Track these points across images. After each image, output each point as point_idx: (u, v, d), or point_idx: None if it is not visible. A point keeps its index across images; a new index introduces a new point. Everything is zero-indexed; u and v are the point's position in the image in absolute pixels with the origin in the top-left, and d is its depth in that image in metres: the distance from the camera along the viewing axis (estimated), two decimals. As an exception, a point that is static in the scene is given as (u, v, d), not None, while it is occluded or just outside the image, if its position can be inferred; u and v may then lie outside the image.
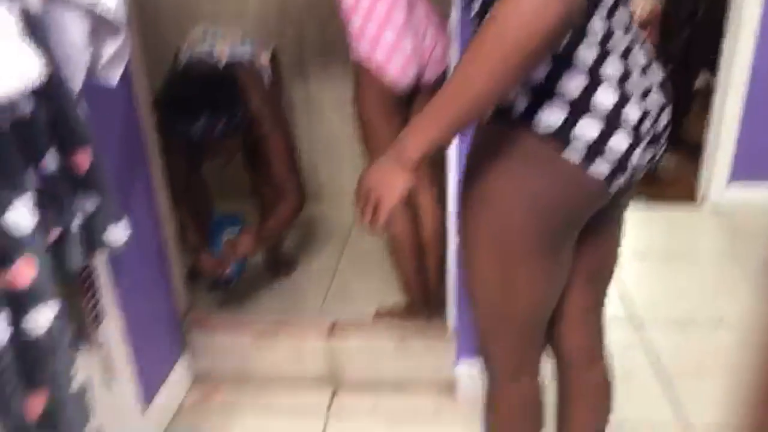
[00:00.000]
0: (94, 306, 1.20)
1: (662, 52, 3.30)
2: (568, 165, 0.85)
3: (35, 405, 0.87)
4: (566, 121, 0.83)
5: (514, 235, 0.91)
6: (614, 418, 1.19)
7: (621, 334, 2.01)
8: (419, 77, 1.68)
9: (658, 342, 1.95)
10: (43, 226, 0.85)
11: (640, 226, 2.70)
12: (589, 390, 1.16)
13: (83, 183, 0.95)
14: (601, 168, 0.85)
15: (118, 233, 1.01)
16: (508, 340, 1.03)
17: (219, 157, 1.83)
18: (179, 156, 1.79)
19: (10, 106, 0.82)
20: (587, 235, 1.00)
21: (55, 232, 0.89)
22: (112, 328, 1.40)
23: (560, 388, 1.18)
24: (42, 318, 0.86)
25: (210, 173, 2.13)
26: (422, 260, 1.86)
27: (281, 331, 1.76)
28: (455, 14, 1.39)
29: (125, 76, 1.47)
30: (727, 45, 2.66)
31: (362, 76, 1.67)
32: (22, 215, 0.81)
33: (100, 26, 0.99)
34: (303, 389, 1.78)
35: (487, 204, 0.92)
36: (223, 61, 1.84)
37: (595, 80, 0.84)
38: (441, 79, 1.73)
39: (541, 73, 0.84)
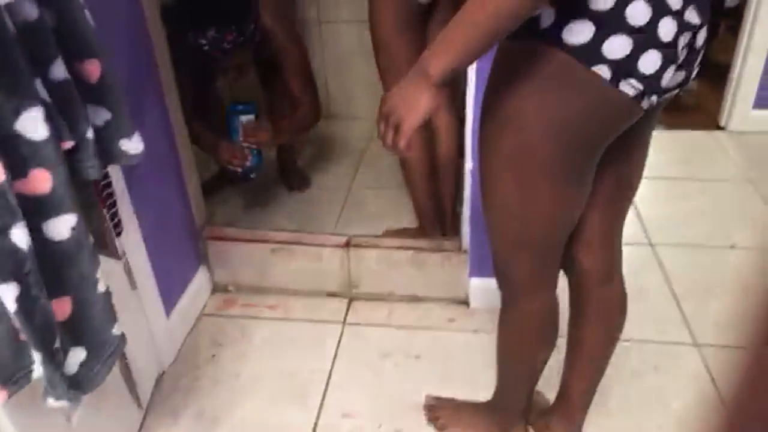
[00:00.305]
0: (113, 217, 1.23)
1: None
2: (597, 82, 0.82)
3: (63, 306, 0.92)
4: (595, 36, 0.80)
5: (536, 157, 0.90)
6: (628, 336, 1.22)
7: (635, 254, 2.03)
8: None
9: (670, 263, 1.97)
10: (55, 137, 0.87)
11: (659, 149, 2.66)
12: (603, 307, 1.19)
13: (94, 94, 0.95)
14: (631, 87, 0.83)
15: (131, 146, 1.02)
16: (526, 260, 1.04)
17: (230, 71, 1.80)
18: (190, 70, 1.77)
19: (14, 7, 0.81)
20: (611, 156, 0.98)
21: (68, 143, 0.90)
22: (131, 239, 1.45)
23: (575, 304, 1.21)
24: (63, 226, 0.89)
25: (223, 93, 2.11)
26: (436, 183, 1.86)
27: (297, 244, 1.80)
28: None
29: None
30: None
31: None
32: (34, 123, 0.82)
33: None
34: (319, 300, 1.84)
35: (510, 125, 0.91)
36: None
37: None
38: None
39: None
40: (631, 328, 1.71)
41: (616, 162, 1.01)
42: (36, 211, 0.86)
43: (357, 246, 1.78)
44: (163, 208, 1.65)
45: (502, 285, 1.12)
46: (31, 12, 0.86)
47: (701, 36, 0.88)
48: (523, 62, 0.86)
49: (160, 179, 1.64)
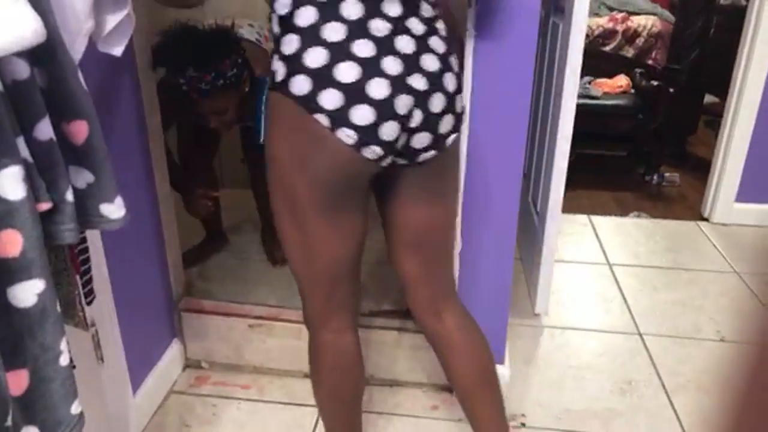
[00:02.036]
0: (86, 284, 1.17)
1: (670, 72, 3.33)
2: (320, 129, 0.94)
3: (19, 380, 0.85)
4: (312, 89, 0.93)
5: (297, 195, 1.02)
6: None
7: (624, 344, 1.98)
8: None
9: (659, 354, 1.92)
10: (33, 198, 0.82)
11: (645, 237, 2.67)
12: (442, 344, 1.24)
13: (78, 155, 0.92)
14: (346, 135, 0.94)
15: (112, 210, 0.98)
16: (313, 292, 1.14)
17: (210, 115, 1.75)
18: (181, 112, 1.77)
19: (6, 66, 0.79)
20: (387, 208, 1.13)
21: (45, 205, 0.86)
22: (103, 308, 1.38)
23: None
24: (29, 291, 0.83)
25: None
26: None
27: (276, 320, 1.73)
28: (471, 18, 1.36)
29: (129, 53, 1.46)
30: (739, 66, 2.63)
31: None
32: (11, 183, 0.78)
33: (105, -5, 0.97)
34: (296, 381, 1.75)
35: (274, 166, 1.03)
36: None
37: (337, 56, 0.92)
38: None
39: (292, 46, 0.94)
40: (622, 422, 1.64)
41: (398, 209, 1.13)
42: (2, 274, 0.80)
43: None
44: (140, 276, 1.59)
45: (304, 317, 1.20)
46: (23, 71, 0.84)
47: (436, 102, 0.99)
48: (273, 108, 1.00)
49: (140, 246, 1.59)
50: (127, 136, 1.50)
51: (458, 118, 1.06)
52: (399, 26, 0.97)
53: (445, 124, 1.03)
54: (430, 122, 1.01)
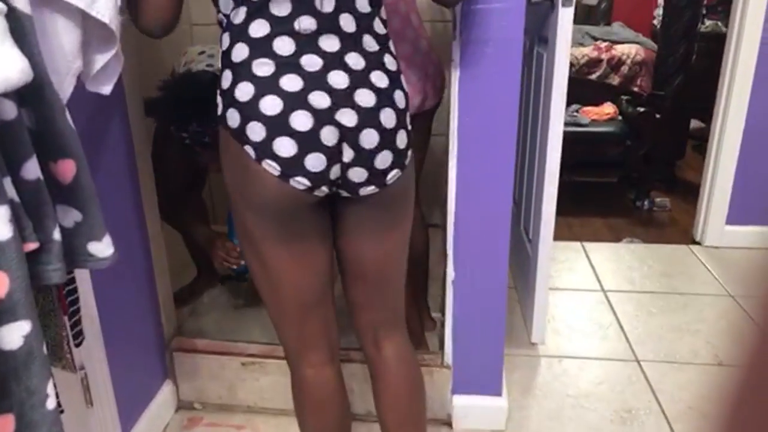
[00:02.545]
0: (75, 325, 1.15)
1: (655, 99, 3.39)
2: (249, 160, 0.97)
3: (5, 424, 0.82)
4: (242, 122, 0.96)
5: (247, 225, 1.04)
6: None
7: (621, 371, 1.96)
8: (420, 107, 1.68)
9: (658, 381, 1.90)
10: (19, 238, 0.81)
11: (638, 262, 2.67)
12: (376, 371, 1.24)
13: (66, 194, 0.91)
14: (272, 167, 0.97)
15: (100, 249, 0.97)
16: (284, 326, 1.15)
17: (212, 166, 1.77)
18: (180, 163, 1.76)
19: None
20: (335, 237, 1.13)
21: (32, 245, 0.85)
22: (93, 350, 1.35)
23: None
24: (15, 332, 0.82)
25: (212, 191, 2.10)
26: (415, 285, 1.82)
27: (270, 357, 1.70)
28: (456, 50, 1.38)
29: (119, 92, 1.46)
30: (722, 90, 2.68)
31: None
32: (-2, 224, 0.78)
33: (92, 34, 0.97)
34: (290, 420, 1.71)
35: (231, 198, 1.05)
36: None
37: (263, 90, 0.95)
38: (436, 108, 1.73)
39: (227, 81, 0.98)
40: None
41: (341, 239, 1.13)
42: (-13, 317, 0.79)
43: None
44: (130, 316, 1.57)
45: (284, 354, 1.20)
46: (10, 112, 0.83)
47: (368, 138, 0.99)
48: (221, 140, 1.03)
49: (130, 286, 1.57)
50: (117, 175, 1.49)
51: (399, 154, 1.04)
52: (335, 61, 0.98)
53: (382, 160, 1.02)
54: (363, 157, 1.00)
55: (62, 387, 1.14)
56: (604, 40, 4.42)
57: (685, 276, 2.58)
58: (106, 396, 1.42)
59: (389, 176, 1.04)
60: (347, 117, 0.98)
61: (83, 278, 1.26)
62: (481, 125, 1.43)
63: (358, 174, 1.02)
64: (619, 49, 4.27)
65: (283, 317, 1.14)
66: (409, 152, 1.08)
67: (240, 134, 0.97)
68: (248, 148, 0.97)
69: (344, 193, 1.05)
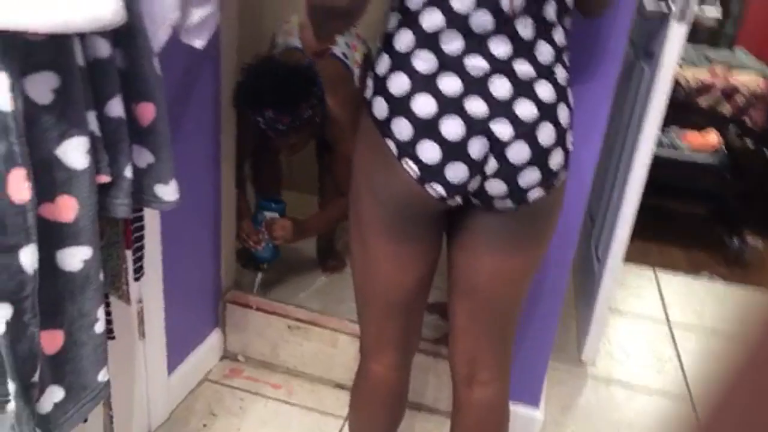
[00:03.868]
0: (137, 260, 1.21)
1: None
2: (389, 153, 0.94)
3: (53, 340, 0.89)
4: (389, 115, 0.93)
5: (363, 211, 1.02)
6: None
7: (669, 408, 1.87)
8: None
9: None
10: (94, 169, 0.87)
11: (713, 303, 2.52)
12: (463, 410, 1.16)
13: (142, 136, 0.96)
14: (410, 168, 0.93)
15: (166, 192, 1.02)
16: (368, 319, 1.13)
17: (283, 149, 1.83)
18: (250, 133, 1.82)
19: (90, 43, 0.84)
20: (452, 248, 1.08)
21: (105, 178, 0.90)
22: (152, 287, 1.43)
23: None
24: (77, 256, 0.88)
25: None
26: None
27: (314, 324, 1.74)
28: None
29: (214, 50, 1.52)
30: None
31: None
32: (75, 152, 0.83)
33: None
34: (326, 389, 1.75)
35: (353, 177, 1.04)
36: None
37: (419, 87, 0.91)
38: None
39: (383, 66, 0.94)
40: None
41: (456, 252, 1.07)
42: (53, 237, 0.85)
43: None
44: (191, 263, 1.64)
45: (360, 343, 1.19)
46: (104, 50, 0.89)
47: (518, 153, 0.92)
48: (361, 121, 1.00)
49: (197, 235, 1.64)
50: (201, 127, 1.56)
51: (549, 174, 0.96)
52: (500, 67, 0.91)
53: (527, 177, 0.94)
54: (507, 172, 0.93)
55: (119, 317, 1.22)
56: (723, 64, 4.15)
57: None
58: (158, 332, 1.50)
59: (531, 194, 0.96)
60: (501, 128, 0.91)
61: (153, 218, 1.33)
62: (563, 132, 1.38)
63: (496, 187, 0.95)
64: (738, 78, 4.00)
65: (369, 310, 1.12)
66: (563, 174, 1.00)
67: (384, 126, 0.94)
68: (390, 142, 0.94)
69: (477, 203, 0.99)
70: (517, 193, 0.95)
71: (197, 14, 1.08)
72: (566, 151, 0.98)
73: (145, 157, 0.98)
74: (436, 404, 1.72)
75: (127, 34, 0.89)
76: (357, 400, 1.22)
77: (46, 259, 0.83)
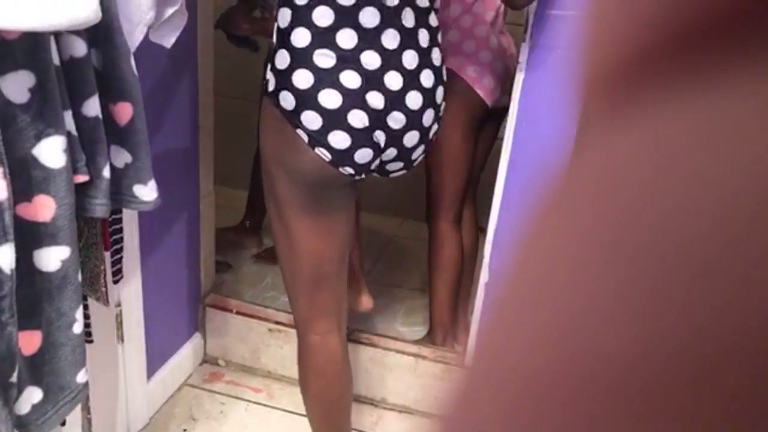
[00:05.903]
0: (115, 262, 1.21)
1: None
2: (300, 142, 1.01)
3: (31, 341, 0.88)
4: (297, 108, 0.99)
5: (278, 191, 1.08)
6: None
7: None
8: (497, 101, 1.66)
9: None
10: (71, 169, 0.87)
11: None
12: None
13: (120, 136, 0.96)
14: (325, 154, 1.01)
15: (145, 192, 1.02)
16: (298, 292, 1.18)
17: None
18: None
19: (66, 42, 0.84)
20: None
21: (82, 177, 0.90)
22: (131, 289, 1.42)
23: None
24: (55, 256, 0.87)
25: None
26: (457, 284, 1.80)
27: (294, 327, 1.73)
28: (524, 52, 1.37)
29: (191, 52, 1.52)
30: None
31: (450, 86, 1.67)
32: (52, 152, 0.83)
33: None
34: (305, 393, 1.75)
35: (264, 164, 1.10)
36: None
37: (323, 82, 0.97)
38: (507, 108, 1.70)
39: (284, 62, 0.99)
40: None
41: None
42: (31, 236, 0.84)
43: (354, 341, 1.71)
44: (171, 265, 1.63)
45: (294, 320, 1.26)
46: (80, 49, 0.89)
47: (409, 139, 1.06)
48: (264, 108, 1.06)
49: (176, 237, 1.63)
50: (179, 128, 1.56)
51: (429, 140, 1.12)
52: (392, 61, 1.00)
53: (416, 152, 1.10)
54: (402, 154, 1.08)
55: (97, 320, 1.21)
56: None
57: None
58: (137, 336, 1.49)
59: (417, 160, 1.13)
60: (396, 121, 1.03)
61: (131, 220, 1.32)
62: (538, 133, 1.40)
63: (394, 166, 1.11)
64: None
65: (298, 284, 1.18)
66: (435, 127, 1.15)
67: (293, 118, 1.01)
68: (301, 132, 1.01)
69: (376, 175, 1.14)
70: (408, 164, 1.12)
71: (167, 13, 1.08)
72: (437, 115, 1.11)
73: (123, 157, 0.98)
74: (417, 405, 1.72)
75: (103, 34, 0.89)
76: (305, 375, 1.25)
77: (24, 259, 0.83)
